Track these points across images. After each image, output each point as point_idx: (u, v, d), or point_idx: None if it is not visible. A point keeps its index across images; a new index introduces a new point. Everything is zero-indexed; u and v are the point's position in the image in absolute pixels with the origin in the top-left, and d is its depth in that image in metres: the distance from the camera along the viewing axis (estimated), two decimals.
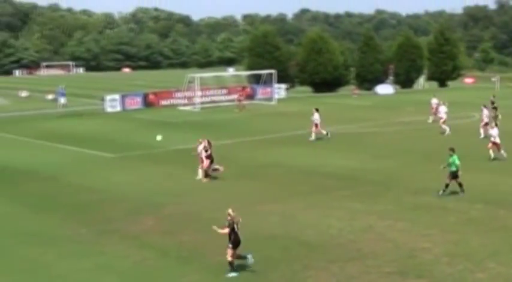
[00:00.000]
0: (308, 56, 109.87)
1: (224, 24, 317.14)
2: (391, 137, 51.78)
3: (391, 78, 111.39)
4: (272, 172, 38.53)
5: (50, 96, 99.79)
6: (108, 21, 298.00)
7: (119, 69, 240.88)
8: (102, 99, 78.81)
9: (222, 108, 76.84)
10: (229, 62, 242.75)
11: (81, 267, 22.60)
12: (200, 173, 36.94)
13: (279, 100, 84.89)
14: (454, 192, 31.47)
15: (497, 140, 40.79)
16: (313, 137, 50.73)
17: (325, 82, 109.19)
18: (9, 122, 68.22)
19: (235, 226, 21.58)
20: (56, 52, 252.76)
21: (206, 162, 36.75)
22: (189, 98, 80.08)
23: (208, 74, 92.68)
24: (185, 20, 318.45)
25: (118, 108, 76.55)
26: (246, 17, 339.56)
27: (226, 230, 21.57)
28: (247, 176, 37.55)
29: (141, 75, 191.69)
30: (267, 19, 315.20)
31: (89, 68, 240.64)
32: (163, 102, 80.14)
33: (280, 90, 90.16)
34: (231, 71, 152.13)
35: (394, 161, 41.41)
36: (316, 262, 22.46)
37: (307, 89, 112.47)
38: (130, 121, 66.39)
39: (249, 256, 21.92)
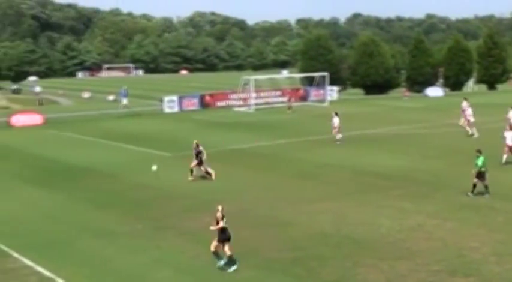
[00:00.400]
0: (360, 59, 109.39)
1: (278, 28, 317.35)
2: (440, 138, 51.24)
3: (441, 81, 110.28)
4: (324, 172, 38.42)
5: (111, 97, 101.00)
6: (167, 25, 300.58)
7: (176, 71, 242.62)
8: (161, 100, 79.36)
9: (275, 110, 76.76)
10: (283, 65, 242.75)
11: (139, 261, 22.79)
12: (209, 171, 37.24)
13: (331, 102, 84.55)
14: (480, 193, 31.21)
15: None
16: (339, 137, 50.13)
17: (377, 84, 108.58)
18: (72, 122, 69.09)
19: (223, 222, 21.73)
20: (116, 55, 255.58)
21: (194, 162, 36.94)
22: (244, 99, 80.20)
23: (263, 76, 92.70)
24: (241, 24, 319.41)
25: (176, 109, 77.02)
26: (299, 21, 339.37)
27: (220, 224, 21.72)
28: (299, 175, 37.50)
29: (198, 77, 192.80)
30: (320, 23, 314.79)
31: (148, 70, 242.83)
32: (219, 104, 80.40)
33: (332, 92, 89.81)
34: (284, 73, 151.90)
35: (443, 161, 40.99)
36: (366, 260, 22.34)
37: (358, 91, 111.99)
38: (188, 121, 66.74)
39: (222, 262, 21.89)
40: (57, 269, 22.07)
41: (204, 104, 79.59)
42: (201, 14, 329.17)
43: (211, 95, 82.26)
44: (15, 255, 23.68)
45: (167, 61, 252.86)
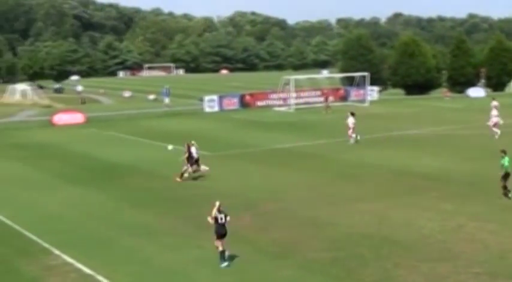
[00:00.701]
0: (401, 59, 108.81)
1: (319, 28, 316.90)
2: (481, 139, 50.71)
3: (482, 81, 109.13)
4: (364, 172, 38.24)
5: (152, 97, 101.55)
6: (208, 24, 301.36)
7: (217, 70, 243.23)
8: (201, 100, 79.68)
9: (315, 109, 76.57)
10: (323, 65, 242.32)
11: (179, 259, 22.88)
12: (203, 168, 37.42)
13: (372, 102, 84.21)
14: None
15: None
16: (354, 137, 49.94)
17: (417, 85, 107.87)
18: (113, 120, 69.69)
19: (219, 218, 22.27)
20: (157, 54, 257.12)
21: (187, 166, 37.01)
22: (284, 99, 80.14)
23: (303, 76, 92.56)
24: (281, 24, 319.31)
25: (216, 109, 77.23)
26: (340, 21, 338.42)
27: (213, 221, 22.46)
28: (340, 175, 37.37)
29: (238, 76, 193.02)
30: (360, 23, 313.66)
31: (188, 70, 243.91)
32: (259, 103, 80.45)
33: (372, 92, 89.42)
34: (325, 73, 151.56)
35: (484, 162, 40.51)
36: (407, 261, 22.20)
37: (399, 91, 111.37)
38: (228, 121, 66.90)
39: (225, 264, 22.28)
40: (97, 266, 22.25)
41: (244, 104, 79.70)
42: (242, 14, 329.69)
43: (251, 95, 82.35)
44: (57, 252, 23.91)
45: (207, 61, 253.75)
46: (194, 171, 37.30)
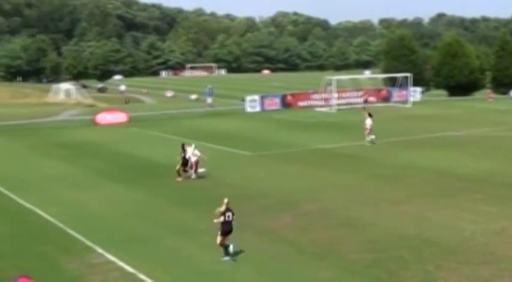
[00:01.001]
0: (443, 59, 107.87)
1: (361, 28, 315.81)
2: None
3: None
4: (405, 173, 37.98)
5: (194, 96, 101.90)
6: (250, 25, 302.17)
7: (258, 71, 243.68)
8: (243, 100, 79.84)
9: (357, 110, 75.96)
10: (365, 65, 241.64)
11: (219, 259, 22.88)
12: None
13: (414, 103, 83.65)
14: None
15: None
16: (370, 138, 49.65)
17: (460, 86, 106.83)
18: (155, 120, 70.12)
19: (226, 216, 22.80)
20: (199, 54, 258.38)
21: (179, 164, 37.15)
22: (326, 99, 79.96)
23: (345, 76, 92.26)
24: (323, 24, 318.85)
25: (257, 109, 77.31)
26: (382, 21, 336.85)
27: (221, 219, 22.84)
28: (381, 176, 37.17)
29: (280, 77, 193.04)
30: (403, 23, 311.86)
31: (230, 70, 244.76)
32: (301, 103, 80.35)
33: (415, 93, 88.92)
34: (367, 73, 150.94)
35: None
36: (448, 263, 22.00)
37: (442, 92, 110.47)
38: (269, 121, 66.92)
39: (232, 245, 22.89)
40: (138, 264, 22.37)
41: (285, 104, 79.66)
42: (284, 14, 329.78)
43: (292, 95, 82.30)
44: (99, 250, 24.10)
45: (249, 61, 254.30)
46: (184, 171, 37.42)
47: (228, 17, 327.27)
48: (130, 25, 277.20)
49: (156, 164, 42.71)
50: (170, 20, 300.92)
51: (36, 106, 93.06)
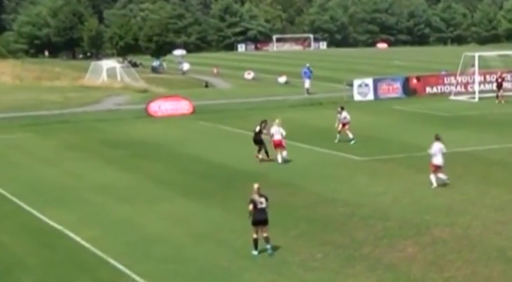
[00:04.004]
0: None
1: None
2: None
3: None
4: None
5: (283, 79, 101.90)
6: None
7: (372, 44, 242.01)
8: (350, 85, 79.69)
9: (510, 99, 74.59)
10: None
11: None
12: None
13: None
14: None
15: None
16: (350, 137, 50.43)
17: None
18: (230, 111, 70.36)
19: (257, 203, 25.99)
20: (291, 22, 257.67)
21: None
22: (466, 84, 79.28)
23: (492, 52, 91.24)
24: None
25: (370, 97, 77.26)
26: None
27: (250, 207, 26.22)
28: None
29: (401, 53, 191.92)
30: None
31: (332, 43, 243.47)
32: (430, 90, 79.98)
33: None
34: None
35: None
36: None
37: None
38: (386, 113, 66.72)
39: (269, 246, 26.73)
40: None
41: (409, 91, 79.30)
42: None
43: (418, 78, 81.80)
44: None
45: (359, 31, 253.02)
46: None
47: None
48: None
49: (234, 171, 43.13)
50: None
51: (70, 91, 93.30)
